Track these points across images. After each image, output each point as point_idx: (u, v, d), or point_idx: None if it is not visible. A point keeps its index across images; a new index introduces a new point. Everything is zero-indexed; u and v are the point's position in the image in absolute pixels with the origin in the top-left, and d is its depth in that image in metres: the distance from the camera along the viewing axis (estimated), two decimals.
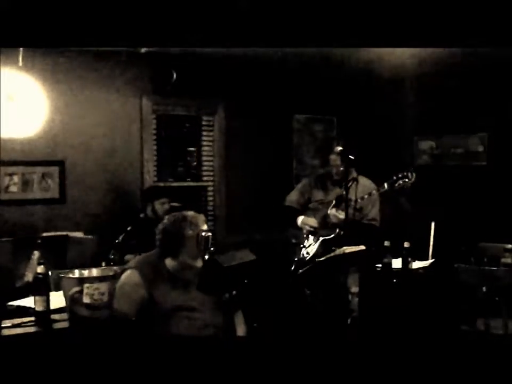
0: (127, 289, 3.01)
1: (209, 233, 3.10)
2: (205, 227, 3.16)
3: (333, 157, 4.75)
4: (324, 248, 4.60)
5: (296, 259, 4.79)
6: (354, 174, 4.61)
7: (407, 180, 4.42)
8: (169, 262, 3.13)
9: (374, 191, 4.57)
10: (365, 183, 4.71)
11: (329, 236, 4.66)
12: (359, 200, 4.55)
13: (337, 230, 4.59)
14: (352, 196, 4.54)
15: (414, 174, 4.42)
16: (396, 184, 4.45)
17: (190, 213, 3.18)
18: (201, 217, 3.20)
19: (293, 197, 5.07)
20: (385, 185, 4.50)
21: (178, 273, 3.13)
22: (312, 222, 4.79)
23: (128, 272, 3.06)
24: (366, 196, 4.55)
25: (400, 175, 4.45)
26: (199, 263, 3.11)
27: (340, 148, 4.61)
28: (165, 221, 3.18)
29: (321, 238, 4.69)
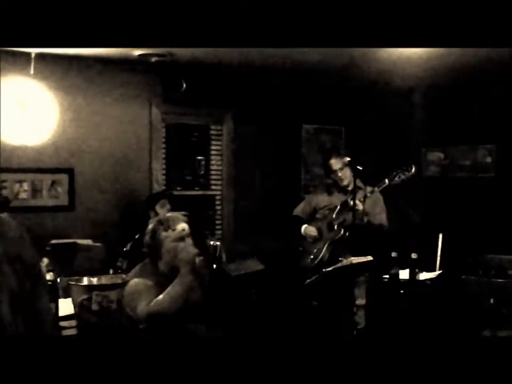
0: (134, 299, 3.04)
1: (218, 243, 3.14)
2: (181, 225, 3.17)
3: (334, 163, 4.78)
4: (332, 250, 4.63)
5: (304, 267, 4.80)
6: (361, 184, 4.64)
7: (406, 173, 4.45)
8: (160, 266, 3.20)
9: (376, 188, 4.59)
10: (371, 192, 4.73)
11: (335, 237, 4.70)
12: (360, 206, 4.57)
13: (342, 231, 4.62)
14: (358, 205, 4.56)
15: (413, 168, 4.45)
16: (396, 178, 4.47)
17: (165, 216, 3.24)
18: (178, 217, 3.23)
19: (299, 207, 5.12)
20: (386, 180, 4.53)
21: (170, 275, 3.17)
22: (312, 231, 4.83)
23: (131, 282, 3.10)
24: (368, 194, 4.57)
25: (399, 170, 4.48)
26: (184, 267, 3.03)
27: (348, 158, 4.64)
28: (147, 230, 3.26)
29: (328, 241, 4.73)
